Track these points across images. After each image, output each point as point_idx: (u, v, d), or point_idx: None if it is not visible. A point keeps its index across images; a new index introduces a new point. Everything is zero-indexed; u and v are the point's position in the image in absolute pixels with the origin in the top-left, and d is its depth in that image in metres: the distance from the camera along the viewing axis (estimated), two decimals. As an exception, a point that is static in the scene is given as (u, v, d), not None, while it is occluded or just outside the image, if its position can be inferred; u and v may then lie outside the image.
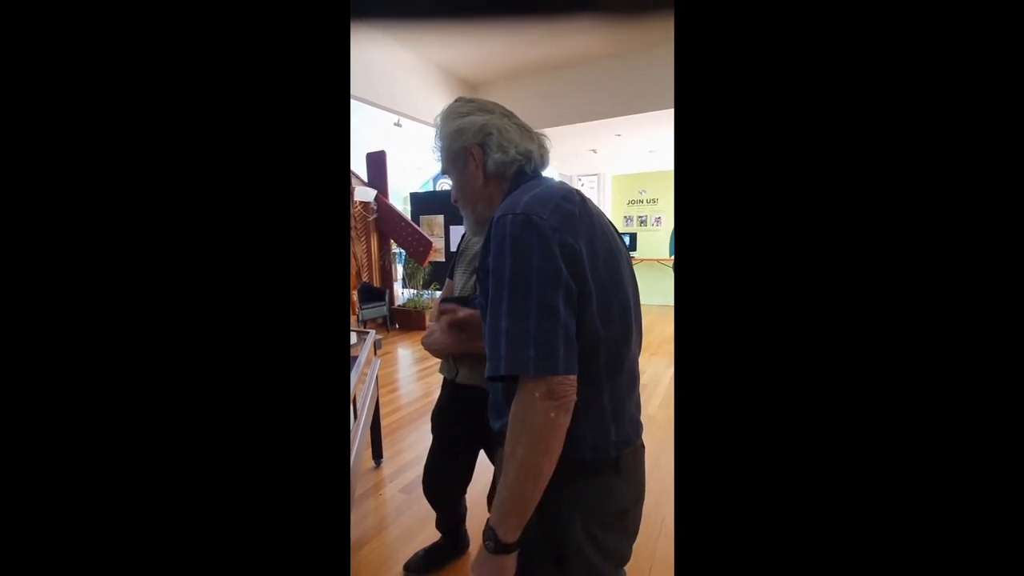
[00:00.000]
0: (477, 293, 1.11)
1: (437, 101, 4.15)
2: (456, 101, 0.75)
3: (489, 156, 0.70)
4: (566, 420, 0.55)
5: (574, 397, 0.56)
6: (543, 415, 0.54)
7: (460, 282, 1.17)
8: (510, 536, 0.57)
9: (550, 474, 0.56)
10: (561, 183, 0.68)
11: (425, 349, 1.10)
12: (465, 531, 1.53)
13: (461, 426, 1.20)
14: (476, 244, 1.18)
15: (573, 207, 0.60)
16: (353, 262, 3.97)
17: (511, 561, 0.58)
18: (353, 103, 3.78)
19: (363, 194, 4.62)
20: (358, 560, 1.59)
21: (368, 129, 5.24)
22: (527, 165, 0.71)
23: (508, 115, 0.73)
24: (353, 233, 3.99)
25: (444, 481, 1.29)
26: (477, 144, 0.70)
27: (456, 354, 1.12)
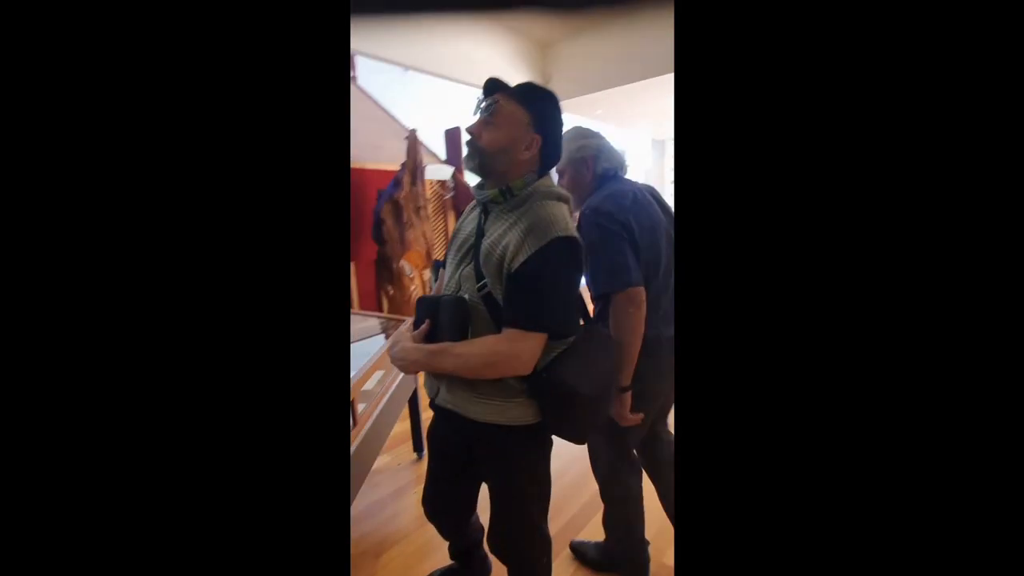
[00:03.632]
0: (460, 287, 0.88)
1: (514, 72, 3.88)
2: (577, 128, 1.20)
3: (598, 164, 1.18)
4: (641, 314, 1.02)
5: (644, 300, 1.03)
6: (624, 311, 1.01)
7: (448, 273, 0.94)
8: (625, 382, 1.05)
9: (638, 346, 1.03)
10: (629, 184, 1.18)
11: (391, 362, 0.89)
12: (485, 555, 1.34)
13: (451, 450, 0.99)
14: (469, 224, 0.93)
15: (626, 200, 1.09)
16: (423, 242, 3.95)
17: (628, 397, 1.06)
18: (432, 79, 3.68)
19: (438, 172, 4.56)
20: (390, 557, 1.50)
21: (450, 105, 5.15)
22: (614, 171, 1.19)
23: (605, 140, 1.20)
24: (423, 212, 3.95)
25: (442, 505, 1.10)
26: (592, 156, 1.18)
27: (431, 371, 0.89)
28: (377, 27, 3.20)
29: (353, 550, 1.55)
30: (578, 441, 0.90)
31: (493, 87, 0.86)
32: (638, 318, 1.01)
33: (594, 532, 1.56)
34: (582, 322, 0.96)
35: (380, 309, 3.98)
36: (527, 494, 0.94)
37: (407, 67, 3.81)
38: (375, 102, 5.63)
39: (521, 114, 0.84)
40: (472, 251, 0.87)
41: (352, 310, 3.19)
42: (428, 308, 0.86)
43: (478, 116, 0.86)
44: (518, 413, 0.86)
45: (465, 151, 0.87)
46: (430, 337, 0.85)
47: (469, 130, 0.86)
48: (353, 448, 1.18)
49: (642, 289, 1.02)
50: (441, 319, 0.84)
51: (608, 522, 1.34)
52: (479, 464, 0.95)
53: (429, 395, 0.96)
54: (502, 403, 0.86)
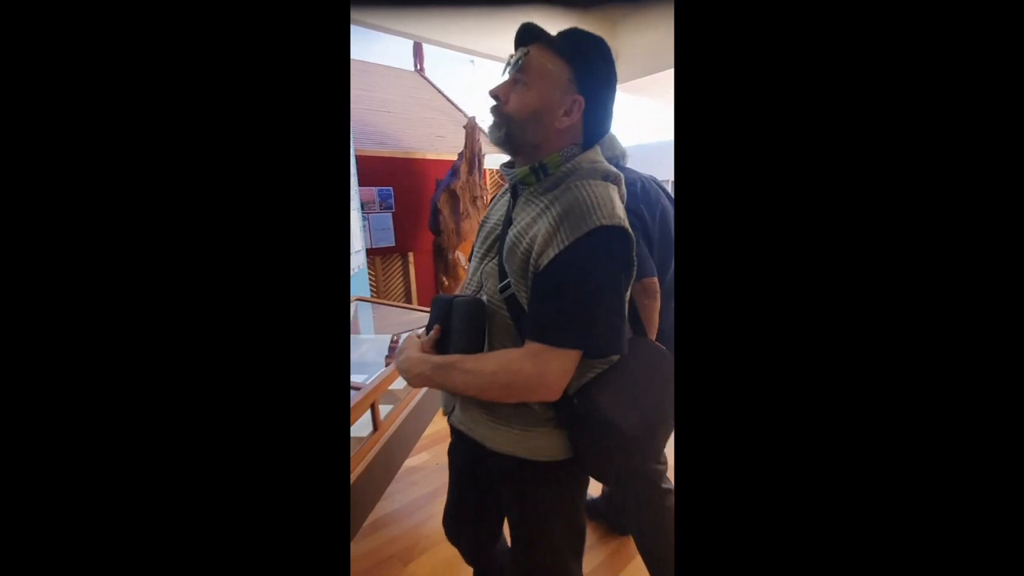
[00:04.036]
0: (482, 286, 0.73)
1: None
2: None
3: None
4: (656, 305, 1.03)
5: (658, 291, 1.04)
6: (640, 303, 1.03)
7: (471, 268, 0.80)
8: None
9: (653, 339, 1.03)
10: (634, 173, 1.16)
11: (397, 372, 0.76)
12: None
13: (468, 475, 0.85)
14: (497, 211, 0.78)
15: (635, 188, 1.10)
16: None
17: None
18: (499, 66, 3.57)
19: (498, 161, 4.45)
20: (418, 566, 1.42)
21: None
22: (616, 160, 1.16)
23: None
24: (480, 202, 3.85)
25: (462, 529, 0.98)
26: None
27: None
28: (444, 15, 3.14)
29: (381, 554, 1.48)
30: (609, 483, 0.72)
31: (527, 36, 0.69)
32: (652, 309, 1.02)
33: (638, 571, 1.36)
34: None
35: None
36: (554, 537, 0.77)
37: (473, 54, 3.74)
38: (439, 91, 5.64)
39: (559, 69, 0.66)
40: (497, 243, 0.72)
41: (393, 302, 3.15)
42: (441, 310, 0.72)
43: (506, 75, 0.70)
44: (542, 445, 0.70)
45: (490, 120, 0.71)
46: (441, 345, 0.71)
47: (493, 93, 0.70)
48: (373, 453, 1.09)
49: (656, 280, 1.02)
50: (453, 324, 0.69)
51: (642, 548, 1.18)
52: (499, 496, 0.80)
53: (444, 411, 0.83)
54: (523, 432, 0.70)
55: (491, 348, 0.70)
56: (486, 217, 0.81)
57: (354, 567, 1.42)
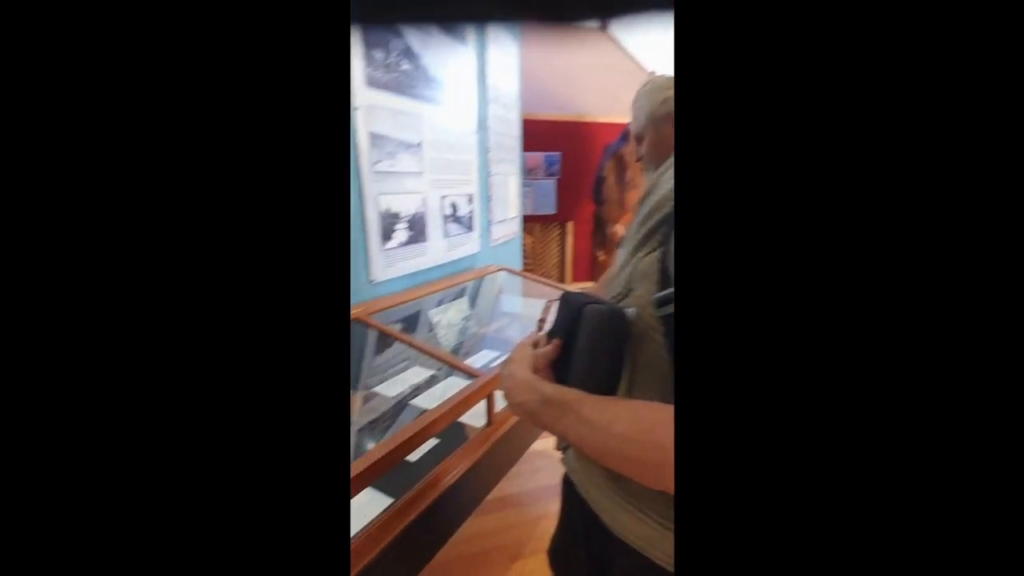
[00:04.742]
0: (631, 290, 0.50)
1: None
2: (657, 77, 0.87)
3: None
4: None
5: None
6: None
7: (619, 259, 0.57)
8: None
9: None
10: None
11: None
12: None
13: (583, 541, 0.66)
14: (670, 181, 0.53)
15: None
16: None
17: None
18: None
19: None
20: (524, 566, 1.33)
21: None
22: None
23: None
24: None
25: (566, 571, 0.81)
26: None
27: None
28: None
29: (488, 543, 1.42)
30: None
31: None
32: None
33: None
34: None
35: (594, 277, 3.76)
36: None
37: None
38: (621, 48, 5.18)
39: None
40: (662, 227, 0.48)
41: (539, 277, 3.05)
42: (568, 316, 0.51)
43: None
44: None
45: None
46: (560, 366, 0.51)
47: None
48: (481, 451, 0.98)
49: None
50: (578, 341, 0.48)
51: None
52: None
53: (558, 446, 0.64)
54: (661, 527, 0.47)
55: (630, 390, 0.47)
56: (650, 188, 0.56)
57: (464, 546, 1.39)
